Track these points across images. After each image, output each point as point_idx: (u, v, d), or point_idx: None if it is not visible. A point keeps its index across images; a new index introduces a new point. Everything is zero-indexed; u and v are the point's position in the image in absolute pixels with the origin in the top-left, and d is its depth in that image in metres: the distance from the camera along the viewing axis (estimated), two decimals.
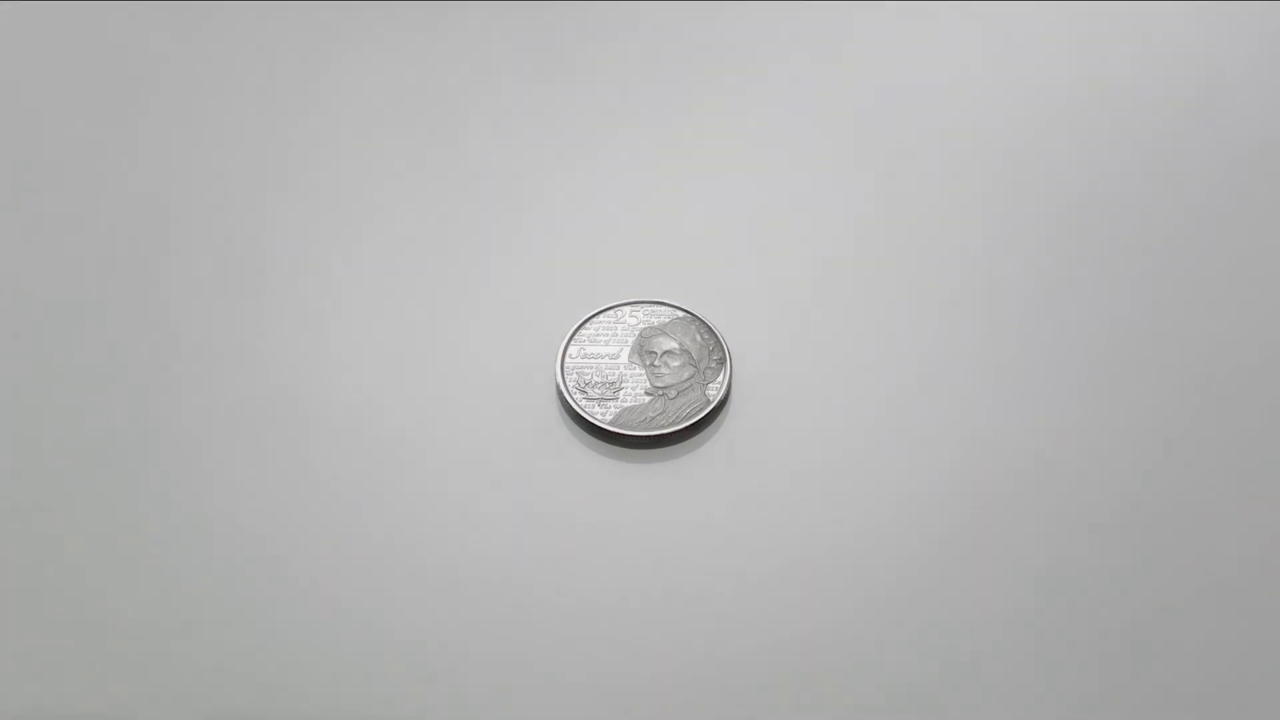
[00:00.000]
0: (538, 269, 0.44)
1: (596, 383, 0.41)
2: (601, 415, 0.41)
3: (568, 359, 0.42)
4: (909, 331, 0.43)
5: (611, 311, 0.43)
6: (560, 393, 0.41)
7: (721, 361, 0.42)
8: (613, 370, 0.42)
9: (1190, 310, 0.43)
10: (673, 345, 0.42)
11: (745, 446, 0.41)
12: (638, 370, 0.41)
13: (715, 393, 0.41)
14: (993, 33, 0.47)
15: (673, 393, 0.41)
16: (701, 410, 0.41)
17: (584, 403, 0.41)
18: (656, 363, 0.42)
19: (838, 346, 0.42)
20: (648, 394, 0.41)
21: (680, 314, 0.42)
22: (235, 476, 0.41)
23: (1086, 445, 0.41)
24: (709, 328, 0.42)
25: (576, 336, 0.42)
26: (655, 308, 0.42)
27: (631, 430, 0.41)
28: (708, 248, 0.44)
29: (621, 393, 0.41)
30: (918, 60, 0.47)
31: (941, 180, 0.45)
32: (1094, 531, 0.40)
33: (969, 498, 0.40)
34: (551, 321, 0.43)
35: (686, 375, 0.41)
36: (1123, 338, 0.42)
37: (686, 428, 0.41)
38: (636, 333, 0.42)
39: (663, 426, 0.41)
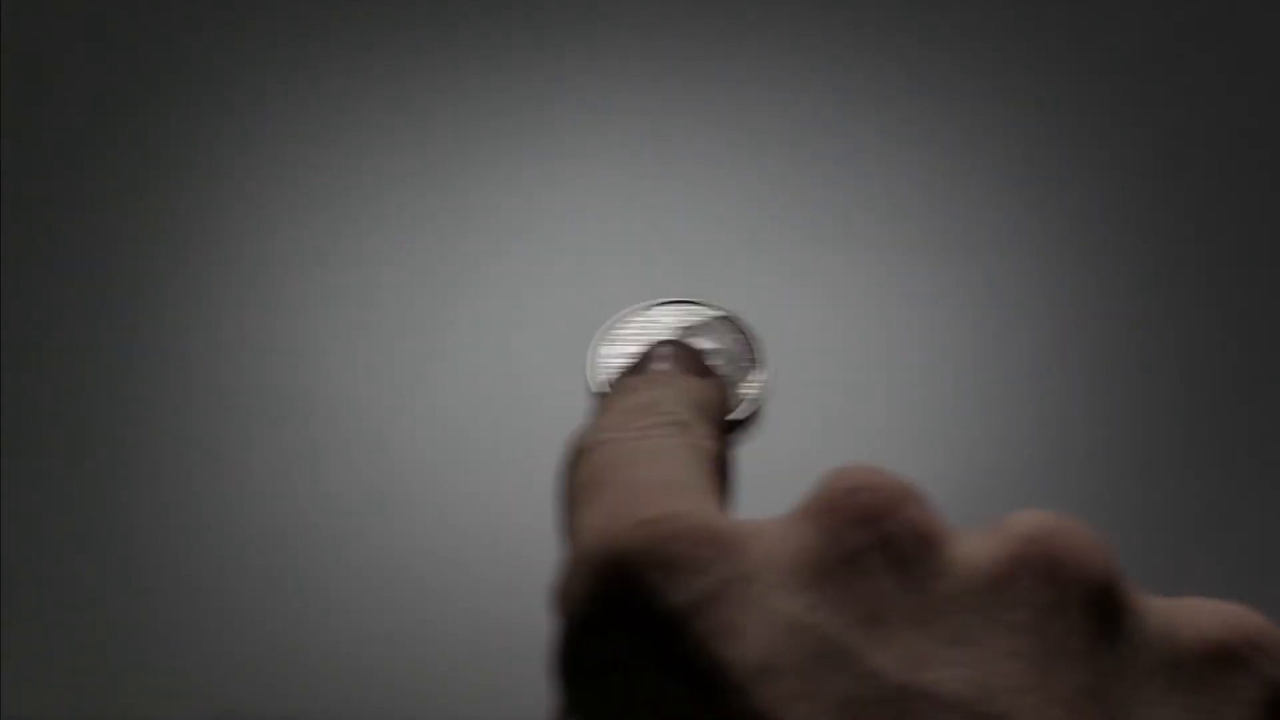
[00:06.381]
0: (568, 271, 0.44)
1: None
2: None
3: (600, 358, 0.42)
4: (938, 335, 0.43)
5: (645, 311, 0.42)
6: (593, 392, 0.41)
7: (755, 363, 0.42)
8: None
9: (1193, 309, 0.43)
10: (713, 345, 0.42)
11: (779, 446, 0.41)
12: None
13: (749, 393, 0.41)
14: (1003, 25, 0.47)
15: None
16: (736, 411, 0.41)
17: None
18: None
19: (871, 350, 0.42)
20: None
21: (716, 314, 0.42)
22: (255, 476, 0.41)
23: (1098, 446, 0.41)
24: (743, 330, 0.42)
25: (610, 336, 0.42)
26: (690, 307, 0.42)
27: None
28: (743, 251, 0.44)
29: None
30: (931, 58, 0.47)
31: (973, 185, 0.45)
32: (1102, 531, 0.40)
33: (1004, 500, 0.40)
34: (583, 321, 0.43)
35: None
36: (1135, 339, 0.43)
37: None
38: (673, 332, 0.42)
39: None
